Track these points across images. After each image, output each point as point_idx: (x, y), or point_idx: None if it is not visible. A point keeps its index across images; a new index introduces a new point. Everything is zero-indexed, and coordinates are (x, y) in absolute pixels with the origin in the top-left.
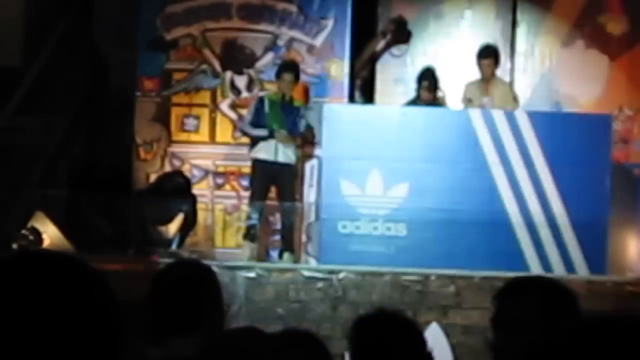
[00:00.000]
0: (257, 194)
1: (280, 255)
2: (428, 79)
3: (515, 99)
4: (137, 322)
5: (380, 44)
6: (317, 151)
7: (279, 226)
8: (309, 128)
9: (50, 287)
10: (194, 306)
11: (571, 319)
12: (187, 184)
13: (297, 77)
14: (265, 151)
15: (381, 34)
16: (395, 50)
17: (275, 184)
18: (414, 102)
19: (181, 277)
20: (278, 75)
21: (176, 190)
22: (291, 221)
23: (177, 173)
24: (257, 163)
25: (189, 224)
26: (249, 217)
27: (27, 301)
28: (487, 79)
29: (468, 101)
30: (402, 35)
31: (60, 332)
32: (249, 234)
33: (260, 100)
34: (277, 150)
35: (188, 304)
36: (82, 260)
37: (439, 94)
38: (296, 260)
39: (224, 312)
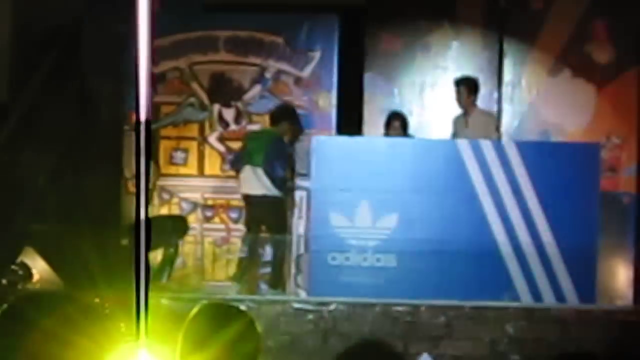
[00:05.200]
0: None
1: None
2: (397, 119)
3: (497, 129)
4: None
5: None
6: (306, 183)
7: (268, 258)
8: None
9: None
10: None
11: None
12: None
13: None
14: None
15: None
16: None
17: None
18: None
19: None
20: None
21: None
22: (281, 254)
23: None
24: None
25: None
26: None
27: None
28: (467, 109)
29: (454, 136)
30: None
31: None
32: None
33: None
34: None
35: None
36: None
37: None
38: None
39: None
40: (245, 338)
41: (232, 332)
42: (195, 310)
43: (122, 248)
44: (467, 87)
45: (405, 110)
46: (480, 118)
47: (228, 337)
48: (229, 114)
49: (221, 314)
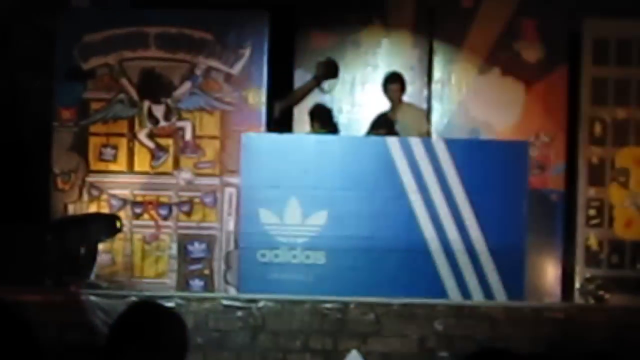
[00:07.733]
0: None
1: None
2: (320, 117)
3: (427, 119)
4: None
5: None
6: (236, 180)
7: (197, 255)
8: None
9: None
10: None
11: None
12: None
13: None
14: None
15: (315, 79)
16: (324, 85)
17: None
18: None
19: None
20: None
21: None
22: None
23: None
24: None
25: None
26: None
27: None
28: (395, 105)
29: (378, 133)
30: (331, 73)
31: None
32: None
33: None
34: None
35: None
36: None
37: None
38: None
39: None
40: (173, 337)
41: (160, 330)
42: (124, 308)
43: (50, 245)
44: (401, 83)
45: (335, 108)
46: (408, 111)
47: (156, 336)
48: (158, 110)
49: (149, 313)
